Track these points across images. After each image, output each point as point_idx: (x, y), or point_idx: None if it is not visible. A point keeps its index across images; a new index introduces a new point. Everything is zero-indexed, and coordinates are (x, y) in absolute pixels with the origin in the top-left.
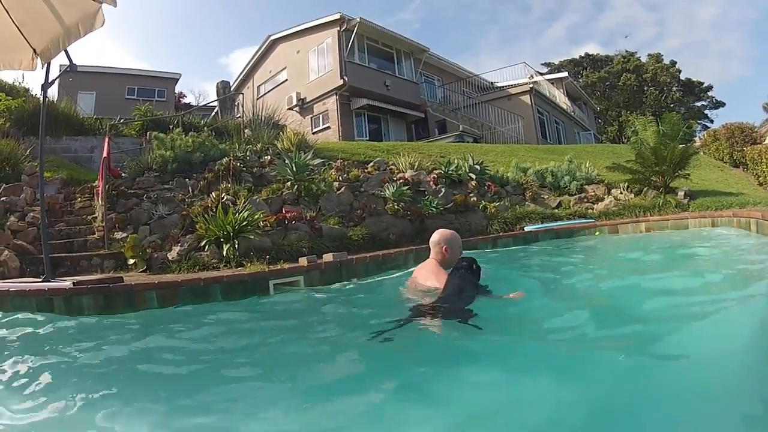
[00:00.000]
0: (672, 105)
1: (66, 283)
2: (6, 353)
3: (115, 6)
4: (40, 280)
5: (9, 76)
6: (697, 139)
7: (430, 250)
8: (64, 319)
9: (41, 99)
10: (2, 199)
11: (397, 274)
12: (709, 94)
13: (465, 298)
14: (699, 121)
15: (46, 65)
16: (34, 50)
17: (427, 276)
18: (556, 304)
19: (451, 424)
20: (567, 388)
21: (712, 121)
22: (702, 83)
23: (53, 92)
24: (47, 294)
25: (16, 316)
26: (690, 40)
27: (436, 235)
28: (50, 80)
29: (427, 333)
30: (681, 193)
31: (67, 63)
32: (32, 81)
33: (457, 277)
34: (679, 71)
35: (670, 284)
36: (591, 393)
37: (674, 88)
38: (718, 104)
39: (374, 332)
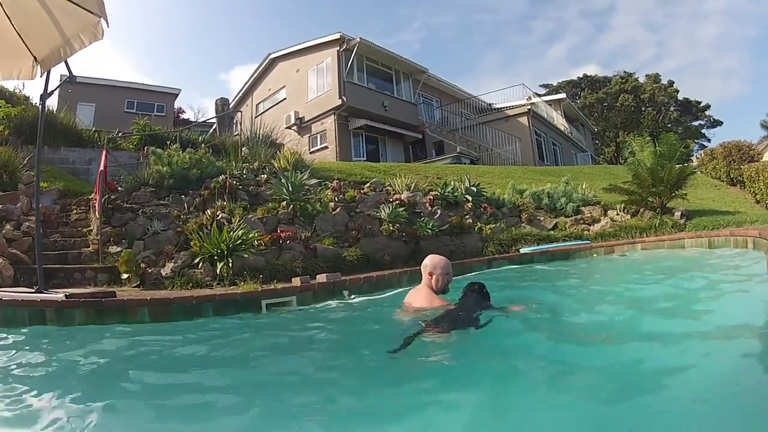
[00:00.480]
0: (669, 125)
1: (59, 295)
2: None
3: (107, 27)
4: (33, 290)
5: (10, 84)
6: (694, 158)
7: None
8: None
9: (40, 109)
10: None
11: (390, 294)
12: (707, 113)
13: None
14: (696, 141)
15: (45, 76)
16: (35, 58)
17: (422, 303)
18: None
19: None
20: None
21: (709, 140)
22: (699, 102)
23: (53, 102)
24: (39, 305)
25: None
26: (690, 60)
27: (428, 261)
28: (50, 90)
29: (435, 345)
30: (677, 214)
31: (67, 74)
32: (32, 90)
33: (472, 299)
34: (677, 91)
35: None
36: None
37: (672, 108)
38: (716, 123)
39: (395, 349)
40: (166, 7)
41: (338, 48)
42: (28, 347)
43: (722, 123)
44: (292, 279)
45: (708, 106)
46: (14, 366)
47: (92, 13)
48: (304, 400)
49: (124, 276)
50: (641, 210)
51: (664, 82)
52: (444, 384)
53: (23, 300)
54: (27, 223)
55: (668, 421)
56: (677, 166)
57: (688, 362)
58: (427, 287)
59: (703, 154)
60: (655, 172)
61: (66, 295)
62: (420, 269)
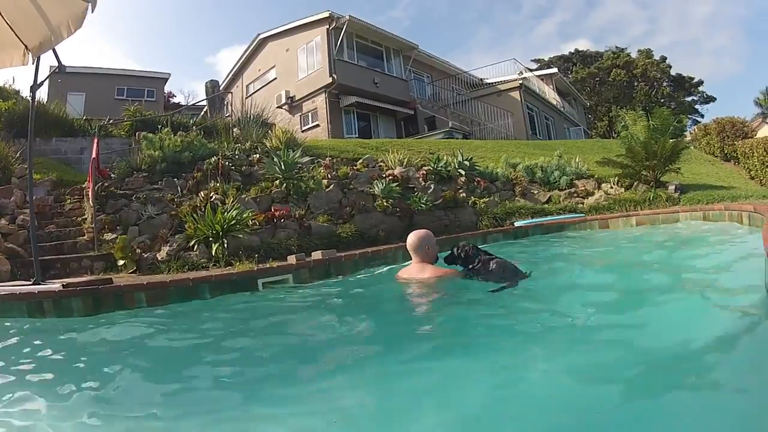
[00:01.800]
0: (662, 100)
1: (55, 285)
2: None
3: (92, 11)
4: (30, 283)
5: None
6: (687, 133)
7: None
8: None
9: (30, 100)
10: None
11: (384, 269)
12: (700, 89)
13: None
14: (689, 116)
15: (35, 67)
16: (26, 46)
17: (422, 272)
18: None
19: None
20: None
21: (702, 116)
22: (692, 78)
23: (43, 94)
24: (37, 297)
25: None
26: (682, 37)
27: (415, 239)
28: (39, 82)
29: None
30: (672, 187)
31: (56, 64)
32: (22, 83)
33: (493, 262)
34: (669, 67)
35: None
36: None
37: (664, 84)
38: (709, 99)
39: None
40: None
41: (327, 26)
42: (27, 339)
43: (715, 99)
44: (288, 257)
45: (701, 82)
46: (15, 359)
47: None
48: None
49: (120, 262)
50: (635, 183)
51: (657, 57)
52: None
53: (21, 293)
54: (22, 216)
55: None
56: (671, 140)
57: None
58: (421, 263)
59: (696, 130)
60: (648, 145)
61: (63, 285)
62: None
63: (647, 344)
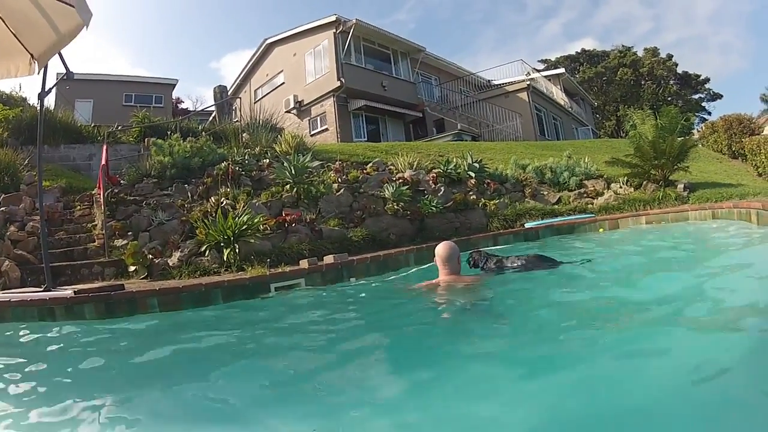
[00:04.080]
0: (669, 98)
1: (67, 292)
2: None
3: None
4: (41, 289)
5: (6, 86)
6: (695, 131)
7: (434, 251)
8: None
9: (38, 108)
10: (2, 209)
11: (397, 276)
12: (707, 86)
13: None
14: (697, 114)
15: (42, 74)
16: (32, 55)
17: (461, 280)
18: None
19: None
20: None
21: (709, 114)
22: (699, 76)
23: (51, 101)
24: (49, 303)
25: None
26: (688, 34)
27: (448, 250)
28: (47, 89)
29: None
30: (680, 186)
31: (64, 72)
32: (29, 90)
33: (525, 260)
34: (676, 65)
35: None
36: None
37: (671, 82)
38: (716, 96)
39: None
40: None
41: (334, 30)
42: (40, 346)
43: (722, 96)
44: (300, 261)
45: (708, 80)
46: (27, 366)
47: (69, 5)
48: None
49: (132, 268)
50: (644, 183)
51: (663, 55)
52: None
53: (32, 299)
54: (31, 223)
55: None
56: (679, 138)
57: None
58: (453, 275)
59: (704, 127)
60: (656, 144)
61: (75, 291)
62: (428, 246)
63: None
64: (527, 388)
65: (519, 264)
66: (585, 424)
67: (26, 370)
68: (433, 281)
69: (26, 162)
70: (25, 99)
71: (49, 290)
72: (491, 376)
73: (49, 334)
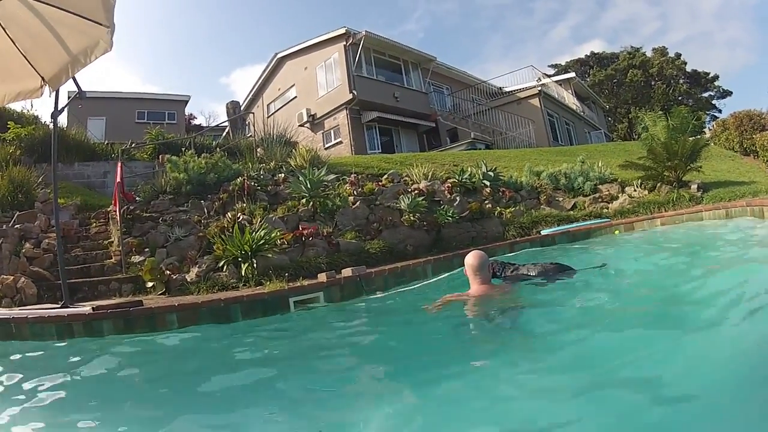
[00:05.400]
0: (680, 98)
1: (85, 308)
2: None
3: (111, 36)
4: (59, 306)
5: (17, 105)
6: (706, 129)
7: (464, 264)
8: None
9: (52, 126)
10: (17, 226)
11: (416, 286)
12: (716, 83)
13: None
14: (707, 112)
15: (54, 93)
16: (43, 78)
17: (494, 289)
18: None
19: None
20: None
21: (720, 111)
22: (708, 73)
23: (63, 119)
24: (67, 320)
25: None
26: (694, 31)
27: (479, 259)
28: (60, 108)
29: None
30: (694, 186)
31: (76, 90)
32: (41, 108)
33: (542, 267)
34: (685, 63)
35: None
36: None
37: (681, 81)
38: (726, 93)
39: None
40: (164, 16)
41: (344, 43)
42: (58, 363)
43: (732, 93)
44: (318, 275)
45: (717, 77)
46: (47, 384)
47: (100, 24)
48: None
49: (149, 284)
50: (658, 185)
51: (671, 55)
52: None
53: (50, 316)
54: (47, 240)
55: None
56: (690, 138)
57: None
58: (485, 285)
59: (715, 126)
60: (669, 146)
61: (93, 308)
62: (445, 257)
63: None
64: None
65: (536, 272)
66: None
67: (57, 388)
68: (465, 294)
69: (40, 180)
70: (37, 117)
71: (67, 306)
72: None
73: (76, 352)
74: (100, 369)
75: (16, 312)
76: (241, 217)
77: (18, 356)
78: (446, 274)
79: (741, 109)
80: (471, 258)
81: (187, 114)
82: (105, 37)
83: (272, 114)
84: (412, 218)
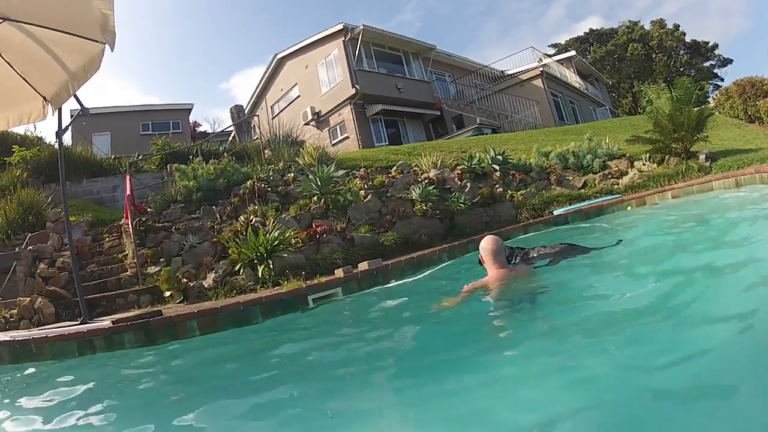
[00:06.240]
0: (681, 69)
1: (105, 322)
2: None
3: (112, 51)
4: (78, 322)
5: (20, 128)
6: (710, 99)
7: (479, 251)
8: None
9: (57, 146)
10: (30, 248)
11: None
12: (716, 52)
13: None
14: (710, 81)
15: (57, 113)
16: (44, 98)
17: (516, 274)
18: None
19: None
20: None
21: (722, 80)
22: (707, 43)
23: (68, 137)
24: (87, 336)
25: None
26: (688, 1)
27: (496, 243)
28: (63, 127)
29: None
30: (702, 157)
31: (78, 108)
32: (44, 129)
33: (552, 249)
34: (684, 34)
35: None
36: None
37: (681, 52)
38: (726, 62)
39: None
40: (159, 27)
41: (343, 38)
42: (85, 379)
43: (732, 61)
44: (335, 271)
45: (716, 45)
46: (75, 401)
47: (96, 41)
48: None
49: (167, 294)
50: (666, 157)
51: (670, 26)
52: None
53: (70, 333)
54: (61, 259)
55: None
56: (695, 109)
57: None
58: (505, 269)
59: (718, 94)
60: (674, 117)
61: (113, 321)
62: (460, 243)
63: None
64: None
65: (549, 253)
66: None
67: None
68: (484, 280)
69: (50, 200)
70: (41, 138)
71: (86, 322)
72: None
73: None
74: (128, 381)
75: (35, 332)
76: (254, 220)
77: (45, 375)
78: (427, 272)
79: (743, 77)
80: (487, 242)
81: (191, 122)
82: (102, 53)
83: (277, 115)
84: (424, 208)
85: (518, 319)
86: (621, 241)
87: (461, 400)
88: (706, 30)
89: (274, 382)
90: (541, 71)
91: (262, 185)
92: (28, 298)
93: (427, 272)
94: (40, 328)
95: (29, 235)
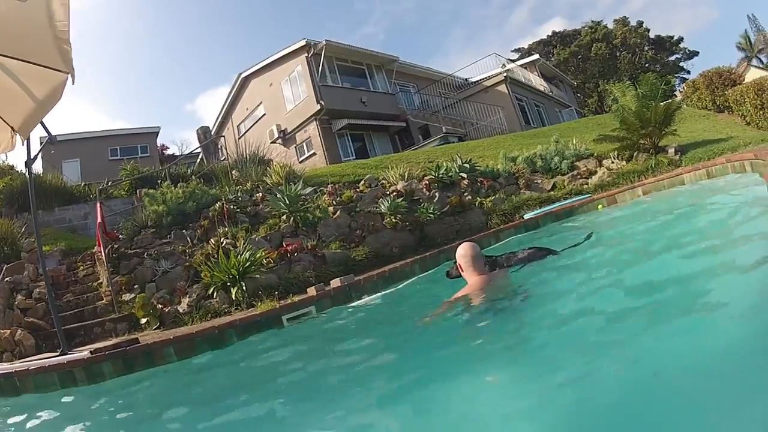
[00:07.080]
0: (647, 65)
1: (83, 353)
2: None
3: (73, 83)
4: (57, 354)
5: None
6: (677, 92)
7: (454, 260)
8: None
9: (27, 175)
10: (6, 279)
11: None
12: (681, 45)
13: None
14: (676, 75)
15: (26, 142)
16: (12, 128)
17: (496, 278)
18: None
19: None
20: None
21: (689, 72)
22: (672, 37)
23: (38, 165)
24: (67, 367)
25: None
26: None
27: (474, 249)
28: (33, 156)
29: None
30: (671, 150)
31: (46, 135)
32: (15, 158)
33: (520, 254)
34: (648, 30)
35: None
36: None
37: (646, 48)
38: (692, 54)
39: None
40: (122, 51)
41: (306, 54)
42: (64, 412)
43: (698, 53)
44: (308, 289)
45: (681, 39)
46: None
47: (59, 71)
48: None
49: (143, 320)
50: (635, 154)
51: (633, 24)
52: None
53: (50, 365)
54: (37, 290)
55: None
56: (662, 104)
57: None
58: (484, 276)
59: (685, 87)
60: (641, 114)
61: (91, 352)
62: (431, 254)
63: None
64: None
65: (520, 258)
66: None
67: None
68: (465, 290)
69: (23, 229)
70: (12, 167)
71: (65, 353)
72: None
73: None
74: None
75: (17, 365)
76: (224, 242)
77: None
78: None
79: (710, 68)
80: (465, 249)
81: (159, 145)
82: (65, 83)
83: (243, 134)
84: (393, 220)
85: (503, 325)
86: (591, 234)
87: (449, 409)
88: (674, 23)
89: (248, 402)
90: (505, 77)
91: (231, 207)
92: (8, 331)
93: (401, 285)
94: (21, 360)
95: (5, 266)
